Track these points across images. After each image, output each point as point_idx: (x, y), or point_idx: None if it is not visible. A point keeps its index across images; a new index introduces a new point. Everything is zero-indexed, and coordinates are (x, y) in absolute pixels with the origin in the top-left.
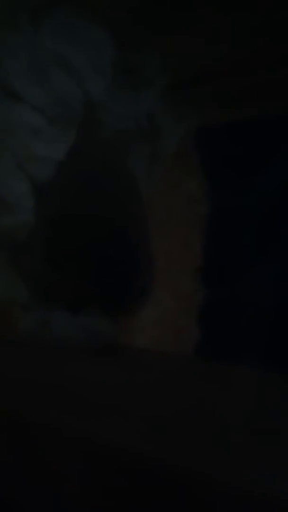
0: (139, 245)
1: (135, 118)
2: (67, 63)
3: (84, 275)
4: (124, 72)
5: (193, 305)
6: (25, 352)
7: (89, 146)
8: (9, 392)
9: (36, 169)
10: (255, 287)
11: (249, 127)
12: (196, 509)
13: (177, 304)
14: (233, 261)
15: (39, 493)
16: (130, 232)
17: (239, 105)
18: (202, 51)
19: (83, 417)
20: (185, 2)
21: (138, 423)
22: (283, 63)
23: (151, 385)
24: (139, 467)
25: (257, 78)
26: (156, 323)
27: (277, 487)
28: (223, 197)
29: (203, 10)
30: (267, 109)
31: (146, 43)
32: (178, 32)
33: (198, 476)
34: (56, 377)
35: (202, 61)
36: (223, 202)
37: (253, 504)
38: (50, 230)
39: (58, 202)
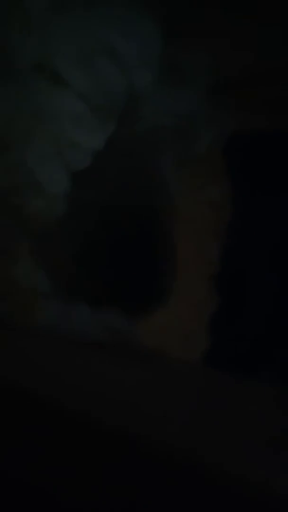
0: (164, 246)
1: (174, 115)
2: (115, 52)
3: (108, 271)
4: (169, 68)
5: (205, 312)
6: (42, 343)
7: (126, 138)
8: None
9: (74, 157)
10: (268, 300)
11: (283, 138)
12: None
13: (188, 309)
14: (249, 272)
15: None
16: (156, 232)
17: (277, 114)
18: (245, 56)
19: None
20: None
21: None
22: None
23: (155, 387)
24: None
25: None
26: (166, 327)
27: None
28: (246, 207)
29: (251, 14)
30: None
31: (193, 41)
32: (224, 33)
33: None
34: (68, 370)
35: (244, 66)
36: (246, 211)
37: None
38: (79, 222)
39: (90, 193)
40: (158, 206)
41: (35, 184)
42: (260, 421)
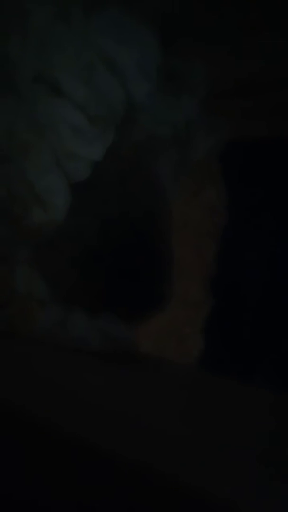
0: (162, 253)
1: (172, 124)
2: (114, 63)
3: (106, 278)
4: (167, 77)
5: (201, 315)
6: (39, 350)
7: (123, 147)
8: (15, 388)
9: (73, 168)
10: (264, 304)
11: (278, 146)
12: None
13: (184, 312)
14: (244, 276)
15: (40, 494)
16: (154, 239)
17: (274, 122)
18: (242, 65)
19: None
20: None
21: (138, 432)
22: None
23: (154, 395)
24: (136, 474)
25: None
26: (163, 329)
27: None
28: (242, 212)
29: (249, 23)
30: None
31: (190, 49)
32: (221, 41)
33: (197, 491)
34: (65, 379)
35: (241, 74)
36: (242, 216)
37: None
38: (78, 230)
39: (88, 201)
40: (156, 213)
41: (35, 195)
42: (252, 430)
